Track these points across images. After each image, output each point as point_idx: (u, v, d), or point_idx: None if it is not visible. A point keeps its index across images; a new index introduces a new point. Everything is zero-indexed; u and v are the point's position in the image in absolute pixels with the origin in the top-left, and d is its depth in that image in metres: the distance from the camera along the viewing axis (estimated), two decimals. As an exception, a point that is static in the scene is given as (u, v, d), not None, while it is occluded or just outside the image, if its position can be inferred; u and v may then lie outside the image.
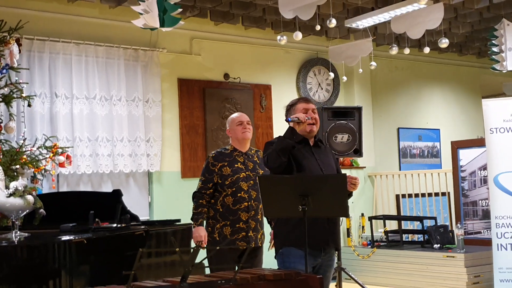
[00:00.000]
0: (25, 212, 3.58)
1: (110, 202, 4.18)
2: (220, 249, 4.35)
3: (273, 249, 3.95)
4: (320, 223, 3.76)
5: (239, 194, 4.51)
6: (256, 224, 4.55)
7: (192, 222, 4.50)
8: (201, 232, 4.43)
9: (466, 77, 10.51)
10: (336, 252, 4.03)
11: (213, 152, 4.75)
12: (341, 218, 6.47)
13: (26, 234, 3.52)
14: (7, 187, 3.53)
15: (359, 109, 6.33)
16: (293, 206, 3.51)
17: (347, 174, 3.75)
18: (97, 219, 3.93)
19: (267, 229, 4.65)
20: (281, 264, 3.74)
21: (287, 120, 3.75)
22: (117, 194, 4.22)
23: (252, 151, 4.77)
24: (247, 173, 4.58)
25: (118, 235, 3.71)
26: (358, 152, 6.24)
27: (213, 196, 4.60)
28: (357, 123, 6.26)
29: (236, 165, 4.59)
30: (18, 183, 3.54)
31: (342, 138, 6.19)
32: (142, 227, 3.93)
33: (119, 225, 3.84)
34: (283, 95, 8.36)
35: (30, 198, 3.52)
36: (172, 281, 2.88)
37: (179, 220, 4.42)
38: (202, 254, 2.76)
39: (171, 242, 3.63)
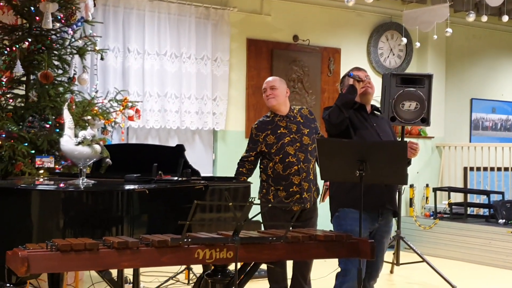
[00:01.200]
0: (92, 161, 3.74)
1: (173, 156, 4.28)
2: (274, 210, 4.44)
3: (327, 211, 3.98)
4: (377, 186, 3.75)
5: (287, 160, 4.51)
6: (309, 185, 4.54)
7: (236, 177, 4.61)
8: None
9: (547, 48, 10.08)
10: (395, 219, 4.02)
11: (255, 123, 4.74)
12: (402, 187, 6.44)
13: (93, 181, 3.68)
14: (76, 136, 3.68)
15: (429, 77, 6.17)
16: (350, 171, 3.51)
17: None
18: (160, 172, 4.05)
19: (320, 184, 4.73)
20: (338, 227, 3.74)
21: (349, 75, 3.77)
22: (180, 148, 4.31)
23: (295, 111, 4.69)
24: (291, 136, 4.54)
25: (179, 188, 3.82)
26: (426, 121, 6.11)
27: (261, 162, 4.67)
28: (427, 91, 6.11)
29: (279, 131, 4.56)
30: (87, 133, 3.69)
31: (409, 106, 6.08)
32: (202, 181, 4.02)
33: (180, 179, 3.94)
34: (352, 59, 8.26)
35: (97, 147, 3.66)
36: (225, 234, 2.98)
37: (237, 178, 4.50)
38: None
39: (226, 197, 3.72)
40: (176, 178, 3.95)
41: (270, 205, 2.87)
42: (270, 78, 4.78)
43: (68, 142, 3.64)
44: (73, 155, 3.65)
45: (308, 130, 4.61)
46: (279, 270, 4.58)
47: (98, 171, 4.41)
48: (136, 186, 3.54)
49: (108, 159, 3.79)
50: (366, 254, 3.12)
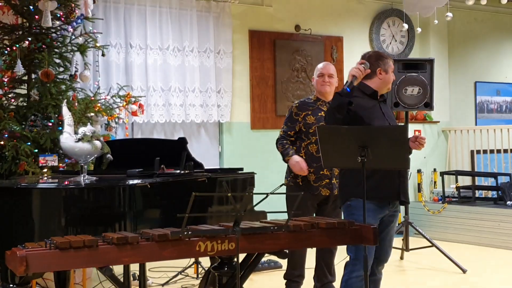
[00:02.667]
0: (93, 157, 3.74)
1: (176, 150, 4.28)
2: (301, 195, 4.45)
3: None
4: (390, 176, 3.72)
5: None
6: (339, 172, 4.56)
7: (286, 158, 4.60)
8: (301, 164, 4.52)
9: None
10: (403, 206, 4.01)
11: (296, 102, 4.79)
12: (409, 172, 6.41)
13: (94, 178, 3.68)
14: (76, 133, 3.69)
15: (431, 61, 6.14)
16: (352, 157, 3.50)
17: (417, 134, 3.73)
18: (162, 165, 4.05)
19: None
20: (349, 216, 3.69)
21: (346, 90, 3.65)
22: (182, 141, 4.31)
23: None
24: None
25: (181, 181, 3.82)
26: (429, 106, 6.08)
27: (294, 143, 4.68)
28: (429, 76, 6.09)
29: (319, 114, 4.61)
30: (87, 129, 3.69)
31: (412, 91, 6.05)
32: (205, 174, 4.02)
33: (182, 172, 3.94)
34: (355, 47, 8.23)
35: (97, 143, 3.66)
36: (227, 226, 2.98)
37: (242, 169, 4.49)
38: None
39: (225, 188, 3.71)
40: (178, 171, 3.95)
41: (267, 194, 2.84)
42: (327, 65, 4.77)
43: (68, 139, 3.64)
44: (73, 152, 3.66)
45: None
46: (298, 256, 4.61)
47: (100, 167, 4.42)
48: (137, 181, 3.53)
49: (109, 155, 3.79)
50: (369, 240, 3.12)
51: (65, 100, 4.40)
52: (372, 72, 3.80)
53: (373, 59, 3.84)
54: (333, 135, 3.63)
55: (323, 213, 4.61)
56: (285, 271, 4.82)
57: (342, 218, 3.77)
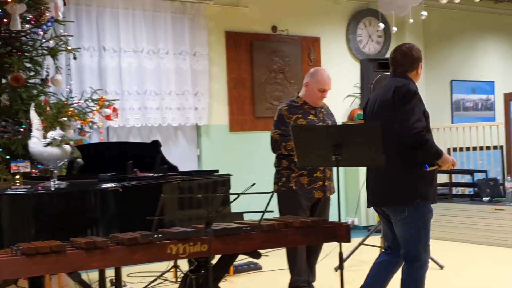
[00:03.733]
0: (62, 162, 3.67)
1: (150, 153, 4.24)
2: (295, 197, 4.41)
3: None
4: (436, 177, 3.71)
5: None
6: (331, 174, 4.53)
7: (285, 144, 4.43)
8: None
9: (523, 28, 10.09)
10: None
11: (284, 104, 4.63)
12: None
13: (65, 183, 3.61)
14: (45, 137, 3.61)
15: (406, 60, 6.14)
16: (327, 156, 3.50)
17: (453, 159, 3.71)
18: (135, 169, 4.00)
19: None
20: (412, 220, 3.57)
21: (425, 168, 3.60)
22: (155, 144, 4.27)
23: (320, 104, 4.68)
24: (320, 123, 4.52)
25: (154, 184, 3.76)
26: (405, 104, 6.08)
27: None
28: (404, 74, 6.08)
29: (309, 117, 4.53)
30: (56, 133, 3.62)
31: (388, 90, 6.04)
32: (179, 176, 3.97)
33: (155, 175, 3.89)
34: (332, 47, 8.23)
35: (67, 147, 3.60)
36: (199, 227, 2.93)
37: (217, 171, 4.45)
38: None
39: (195, 190, 3.66)
40: (151, 174, 3.89)
41: (237, 194, 2.79)
42: (329, 80, 4.58)
43: (36, 143, 3.57)
44: (42, 157, 3.59)
45: (330, 122, 4.65)
46: (301, 262, 4.50)
47: (71, 172, 4.35)
48: (108, 185, 3.47)
49: (79, 159, 3.72)
50: (343, 238, 3.09)
51: (33, 104, 4.29)
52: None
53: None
54: (307, 134, 3.62)
55: (313, 214, 4.54)
56: (259, 274, 4.75)
57: (394, 220, 3.65)
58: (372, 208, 3.82)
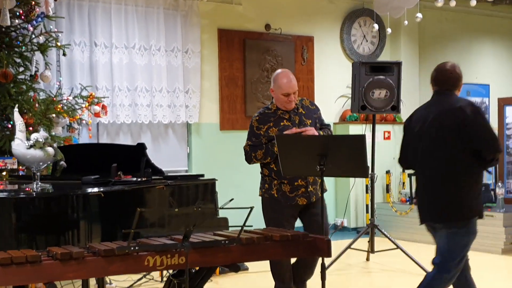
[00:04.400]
0: (46, 164, 3.64)
1: (135, 155, 4.20)
2: (277, 205, 4.31)
3: None
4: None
5: None
6: (314, 178, 4.34)
7: (272, 149, 4.20)
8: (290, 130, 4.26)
9: (519, 31, 10.05)
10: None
11: (256, 114, 4.47)
12: (375, 174, 6.37)
13: (47, 185, 3.58)
14: (28, 139, 3.58)
15: (398, 64, 6.11)
16: (312, 166, 3.50)
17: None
18: (119, 172, 3.96)
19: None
20: (461, 238, 3.59)
21: None
22: (141, 147, 4.22)
23: (296, 102, 4.43)
24: (297, 128, 4.29)
25: (137, 189, 3.73)
26: (396, 109, 6.05)
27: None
28: (396, 79, 6.05)
29: (282, 123, 4.33)
30: (39, 135, 3.58)
31: (379, 94, 6.02)
32: (163, 181, 3.94)
33: (139, 179, 3.86)
34: (325, 47, 8.19)
35: (50, 150, 3.56)
36: (177, 239, 2.90)
37: (202, 175, 4.42)
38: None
39: (170, 202, 3.64)
40: (134, 179, 3.86)
41: (216, 209, 2.78)
42: (290, 82, 4.33)
43: (19, 145, 3.53)
44: (25, 159, 3.55)
45: (310, 121, 4.40)
46: (285, 269, 4.37)
47: (61, 173, 4.31)
48: (90, 189, 3.44)
49: (62, 162, 3.68)
50: (324, 252, 3.07)
51: (17, 105, 4.26)
52: None
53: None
54: (292, 143, 3.62)
55: (303, 221, 4.44)
56: (245, 275, 4.70)
57: (439, 229, 3.65)
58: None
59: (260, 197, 4.49)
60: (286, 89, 4.31)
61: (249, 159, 4.44)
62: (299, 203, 4.35)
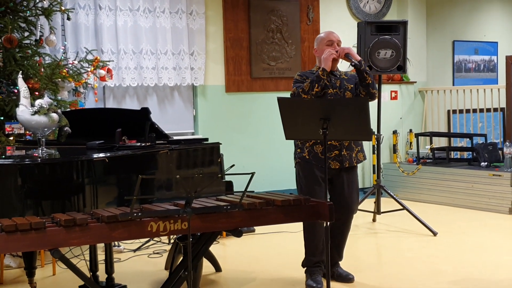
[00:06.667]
0: (50, 130, 3.67)
1: (140, 119, 4.22)
2: (308, 167, 4.19)
3: None
4: None
5: None
6: (350, 142, 4.25)
7: (319, 77, 4.13)
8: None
9: (530, -14, 9.87)
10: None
11: (298, 73, 4.39)
12: (381, 135, 6.36)
13: (53, 151, 3.62)
14: (32, 105, 3.60)
15: (404, 24, 6.04)
16: (314, 129, 3.50)
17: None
18: (124, 137, 3.99)
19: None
20: None
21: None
22: (145, 111, 4.23)
23: (339, 71, 4.43)
24: (334, 90, 4.25)
25: (141, 154, 3.76)
26: (402, 69, 6.01)
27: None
28: (402, 38, 5.99)
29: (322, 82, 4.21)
30: (43, 101, 3.60)
31: (385, 54, 5.97)
32: (167, 146, 3.96)
33: (143, 144, 3.88)
34: (331, 6, 8.09)
35: (54, 116, 3.58)
36: (180, 205, 2.94)
37: (207, 139, 4.44)
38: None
39: (172, 170, 3.66)
40: (138, 144, 3.88)
41: (217, 176, 2.79)
42: (329, 32, 4.38)
43: (24, 112, 3.56)
44: (30, 125, 3.58)
45: (352, 86, 4.34)
46: (317, 242, 4.26)
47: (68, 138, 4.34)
48: (94, 155, 3.47)
49: (67, 128, 3.71)
50: (325, 217, 3.10)
51: (21, 71, 4.26)
52: None
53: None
54: (295, 107, 3.60)
55: (335, 189, 4.30)
56: (252, 236, 4.75)
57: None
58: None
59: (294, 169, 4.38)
60: (328, 36, 4.35)
61: (304, 92, 4.16)
62: (331, 166, 4.20)
